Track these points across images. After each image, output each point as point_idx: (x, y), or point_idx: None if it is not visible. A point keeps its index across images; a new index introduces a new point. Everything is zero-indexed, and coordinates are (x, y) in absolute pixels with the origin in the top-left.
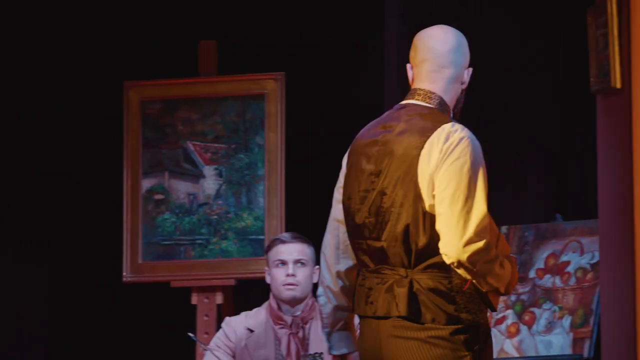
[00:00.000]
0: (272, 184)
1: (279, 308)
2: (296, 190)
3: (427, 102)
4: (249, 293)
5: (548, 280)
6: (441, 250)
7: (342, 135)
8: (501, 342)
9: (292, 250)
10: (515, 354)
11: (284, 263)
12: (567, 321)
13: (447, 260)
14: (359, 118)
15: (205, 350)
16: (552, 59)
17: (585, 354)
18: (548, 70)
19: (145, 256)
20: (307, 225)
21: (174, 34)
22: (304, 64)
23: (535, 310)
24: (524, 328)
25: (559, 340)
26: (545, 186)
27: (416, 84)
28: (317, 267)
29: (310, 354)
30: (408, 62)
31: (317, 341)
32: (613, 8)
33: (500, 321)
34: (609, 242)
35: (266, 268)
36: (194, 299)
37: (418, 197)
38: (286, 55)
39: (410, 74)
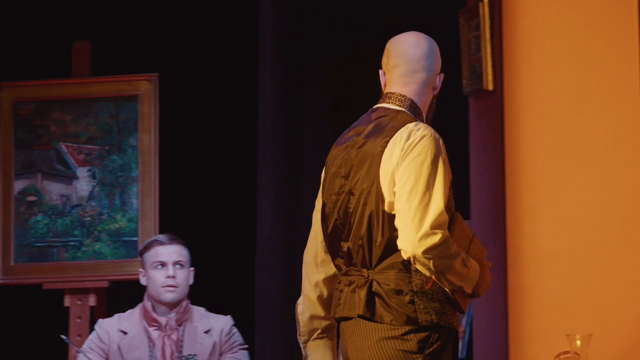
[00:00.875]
0: (146, 185)
1: (154, 309)
2: (170, 191)
3: (397, 105)
4: (123, 295)
5: None
6: (399, 246)
7: (215, 136)
8: None
9: (171, 252)
10: None
11: (163, 265)
12: None
13: (404, 256)
14: (233, 119)
15: (78, 352)
16: None
17: (459, 354)
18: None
19: (17, 258)
20: (181, 226)
21: (47, 34)
22: (177, 65)
23: None
24: None
25: None
26: None
27: (388, 89)
28: (192, 268)
29: (184, 356)
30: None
31: (192, 343)
32: (485, 11)
33: None
34: (481, 242)
35: (141, 270)
36: (67, 301)
37: (379, 196)
38: (160, 57)
39: (382, 79)
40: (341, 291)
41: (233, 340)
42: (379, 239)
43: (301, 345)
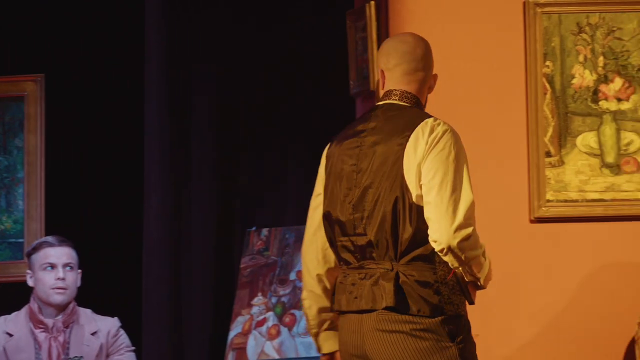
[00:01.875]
0: (32, 186)
1: (40, 311)
2: (56, 193)
3: (404, 102)
4: (8, 297)
5: None
6: (431, 237)
7: (102, 138)
8: (262, 344)
9: (60, 253)
10: (276, 356)
11: (52, 266)
12: None
13: (437, 247)
14: (119, 120)
15: None
16: (313, 61)
17: None
18: (310, 72)
19: None
20: (67, 228)
21: None
22: (64, 66)
23: (296, 312)
24: (284, 330)
25: None
26: (306, 188)
27: (389, 87)
28: (80, 270)
29: (70, 358)
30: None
31: (78, 345)
32: (372, 12)
33: (260, 323)
34: None
35: (28, 271)
36: None
37: (404, 189)
38: (46, 57)
39: (381, 78)
40: (353, 284)
41: (120, 342)
42: (406, 231)
43: (312, 338)
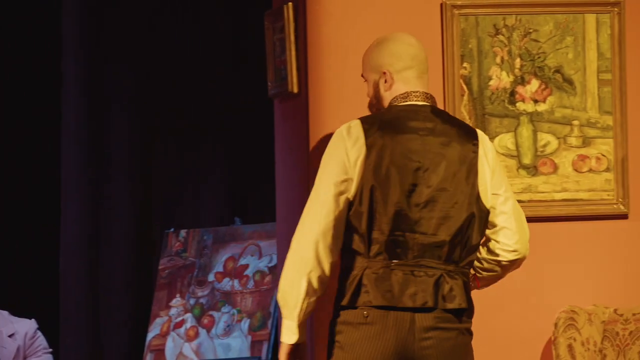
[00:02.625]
0: None
1: None
2: None
3: (435, 104)
4: None
5: (227, 284)
6: (511, 247)
7: (17, 139)
8: (180, 346)
9: None
10: (195, 358)
11: None
12: (245, 324)
13: (514, 256)
14: (36, 121)
15: None
16: (230, 62)
17: (264, 356)
18: (228, 73)
19: None
20: None
21: None
22: None
23: (214, 313)
24: (203, 331)
25: (238, 343)
26: (224, 190)
27: (407, 88)
28: None
29: None
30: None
31: None
32: (290, 13)
33: (179, 325)
34: (286, 245)
35: None
36: None
37: (478, 198)
38: None
39: (389, 80)
40: (406, 280)
41: (37, 344)
42: (475, 238)
43: (292, 323)
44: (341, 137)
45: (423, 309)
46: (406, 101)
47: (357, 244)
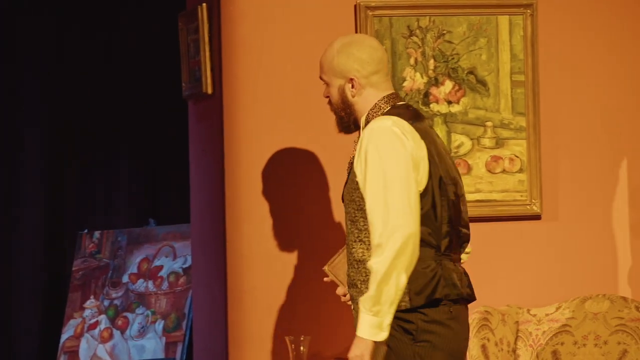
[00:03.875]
0: None
1: None
2: None
3: None
4: None
5: (141, 285)
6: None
7: None
8: (94, 347)
9: None
10: (109, 359)
11: None
12: (159, 325)
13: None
14: None
15: None
16: (144, 63)
17: (178, 357)
18: (141, 74)
19: None
20: None
21: None
22: None
23: (129, 315)
24: (117, 333)
25: (152, 345)
26: (138, 191)
27: (381, 90)
28: None
29: None
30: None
31: None
32: (204, 14)
33: (93, 326)
34: (201, 246)
35: None
36: None
37: None
38: None
39: (350, 86)
40: (464, 273)
41: None
42: None
43: (387, 320)
44: (397, 137)
45: (469, 300)
46: (401, 101)
47: (429, 237)
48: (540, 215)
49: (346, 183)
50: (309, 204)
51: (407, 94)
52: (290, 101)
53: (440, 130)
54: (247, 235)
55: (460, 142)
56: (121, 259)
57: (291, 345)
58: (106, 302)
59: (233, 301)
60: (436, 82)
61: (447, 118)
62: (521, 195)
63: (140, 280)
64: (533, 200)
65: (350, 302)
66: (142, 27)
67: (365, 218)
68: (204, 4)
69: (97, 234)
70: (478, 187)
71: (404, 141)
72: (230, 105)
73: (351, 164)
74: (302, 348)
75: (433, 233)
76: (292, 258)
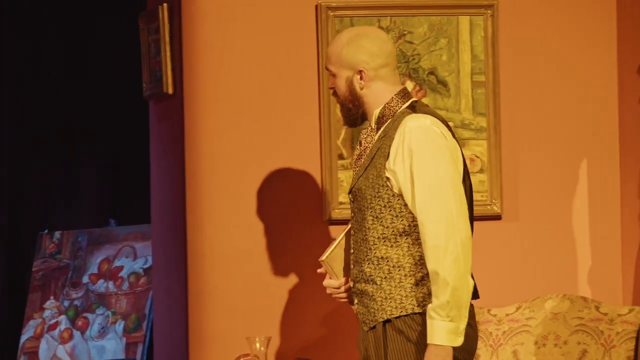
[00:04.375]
0: None
1: None
2: None
3: None
4: None
5: (102, 286)
6: None
7: None
8: (54, 348)
9: None
10: None
11: None
12: (120, 326)
13: None
14: None
15: None
16: (104, 63)
17: (138, 358)
18: (102, 75)
19: None
20: None
21: None
22: None
23: (89, 315)
24: (77, 333)
25: (112, 345)
26: (98, 191)
27: (390, 84)
28: None
29: None
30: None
31: None
32: (164, 14)
33: (53, 327)
34: (161, 246)
35: None
36: None
37: None
38: None
39: (359, 77)
40: None
41: None
42: None
43: (462, 324)
44: (443, 138)
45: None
46: (410, 97)
47: None
48: (500, 216)
49: (359, 177)
50: (271, 205)
51: None
52: (251, 101)
53: None
54: (208, 235)
55: None
56: (81, 260)
57: (252, 346)
58: (66, 303)
59: (194, 302)
60: None
61: None
62: (482, 196)
63: (101, 281)
64: (493, 201)
65: (342, 296)
66: (102, 27)
67: (394, 215)
68: (165, 4)
69: (57, 234)
70: None
71: (446, 141)
72: (191, 105)
73: (372, 158)
74: (262, 348)
75: None
76: (253, 258)
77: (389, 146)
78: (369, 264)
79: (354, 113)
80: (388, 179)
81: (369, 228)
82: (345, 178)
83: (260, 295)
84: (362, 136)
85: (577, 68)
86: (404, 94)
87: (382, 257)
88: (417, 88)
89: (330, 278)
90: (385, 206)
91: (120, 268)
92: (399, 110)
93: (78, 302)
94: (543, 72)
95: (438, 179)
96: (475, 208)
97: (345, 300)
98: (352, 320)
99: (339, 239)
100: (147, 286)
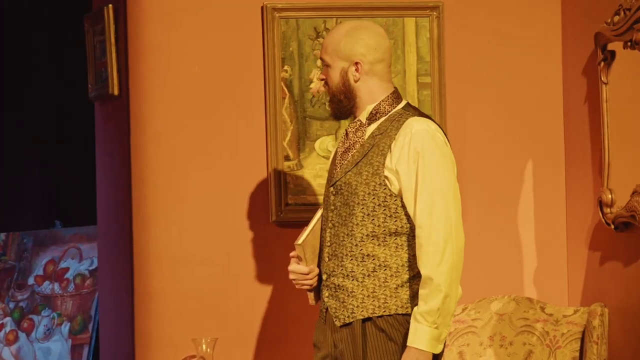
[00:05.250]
0: None
1: None
2: None
3: None
4: None
5: (47, 287)
6: None
7: None
8: None
9: None
10: None
11: None
12: (66, 328)
13: None
14: None
15: None
16: (50, 64)
17: None
18: (47, 76)
19: None
20: None
21: None
22: None
23: (34, 317)
24: (22, 335)
25: (58, 347)
26: (44, 192)
27: (384, 81)
28: None
29: None
30: None
31: None
32: (110, 15)
33: None
34: (107, 248)
35: None
36: None
37: None
38: None
39: (354, 69)
40: None
41: None
42: None
43: (446, 331)
44: (446, 145)
45: None
46: (403, 101)
47: None
48: None
49: (347, 172)
50: (217, 206)
51: (313, 96)
52: (197, 102)
53: None
54: (154, 237)
55: None
56: (27, 261)
57: (198, 347)
58: (12, 305)
59: (140, 303)
60: None
61: None
62: None
63: (46, 282)
64: None
65: (306, 284)
66: (47, 28)
67: (388, 215)
68: (110, 5)
69: (2, 235)
70: None
71: (449, 149)
72: (137, 107)
73: (365, 154)
74: (209, 350)
75: None
76: (200, 260)
77: (389, 145)
78: (352, 259)
79: (345, 105)
80: (387, 177)
81: (357, 224)
82: (291, 179)
83: (207, 297)
84: (349, 129)
85: (523, 69)
86: (398, 95)
87: (368, 255)
88: None
89: (298, 263)
90: (380, 205)
91: (66, 270)
92: (394, 110)
93: (23, 304)
94: (488, 74)
95: (441, 186)
96: None
97: (308, 288)
98: (301, 319)
99: (312, 225)
100: (93, 288)
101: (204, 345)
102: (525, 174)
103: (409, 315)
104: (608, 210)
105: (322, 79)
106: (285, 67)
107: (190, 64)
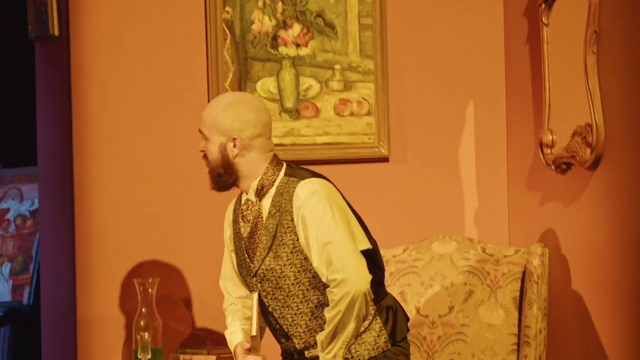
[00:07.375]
0: None
1: None
2: None
3: None
4: None
5: None
6: None
7: None
8: None
9: None
10: None
11: None
12: (6, 268)
13: None
14: None
15: None
16: None
17: (25, 300)
18: None
19: None
20: None
21: None
22: None
23: None
24: None
25: None
26: None
27: (265, 152)
28: None
29: None
30: None
31: None
32: None
33: None
34: (48, 189)
35: None
36: None
37: None
38: None
39: (232, 145)
40: None
41: None
42: None
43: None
44: (331, 191)
45: None
46: (279, 160)
47: (379, 277)
48: (388, 158)
49: (265, 258)
50: (158, 146)
51: (255, 37)
52: (138, 42)
53: (288, 74)
54: (95, 177)
55: (309, 85)
56: None
57: (139, 288)
58: None
59: (81, 244)
60: (284, 25)
61: (296, 61)
62: (369, 138)
63: None
64: (381, 143)
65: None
66: None
67: (314, 275)
68: None
69: None
70: (326, 130)
71: (333, 191)
72: (78, 47)
73: (273, 236)
74: (150, 290)
75: (381, 274)
76: (142, 200)
77: (291, 220)
78: (311, 332)
79: (225, 180)
80: (302, 251)
81: (301, 302)
82: None
83: (148, 237)
84: (244, 212)
85: (464, 10)
86: (277, 161)
87: (325, 321)
88: (305, 31)
89: (249, 354)
90: (313, 276)
91: (7, 210)
92: (278, 180)
93: None
94: (430, 15)
95: (341, 234)
96: (362, 150)
97: None
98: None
99: (256, 311)
100: (34, 228)
101: (145, 286)
102: (467, 115)
103: (388, 350)
104: (549, 151)
105: (201, 151)
106: (227, 8)
107: (130, 4)
